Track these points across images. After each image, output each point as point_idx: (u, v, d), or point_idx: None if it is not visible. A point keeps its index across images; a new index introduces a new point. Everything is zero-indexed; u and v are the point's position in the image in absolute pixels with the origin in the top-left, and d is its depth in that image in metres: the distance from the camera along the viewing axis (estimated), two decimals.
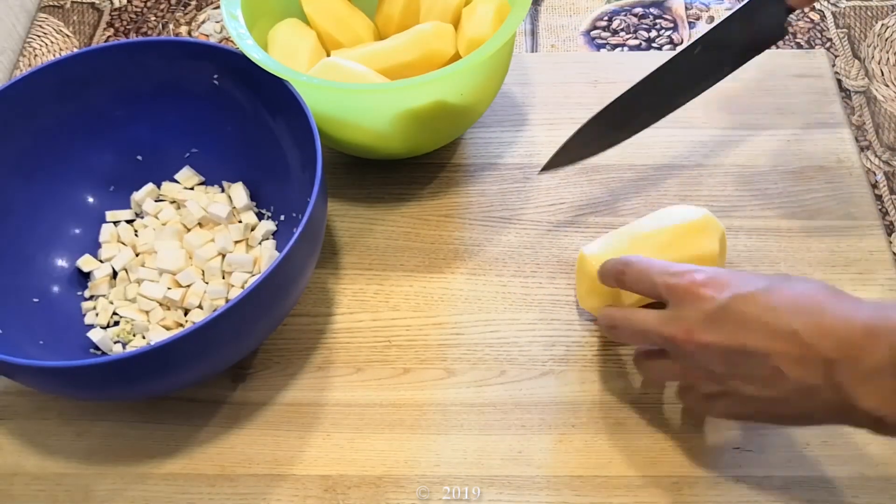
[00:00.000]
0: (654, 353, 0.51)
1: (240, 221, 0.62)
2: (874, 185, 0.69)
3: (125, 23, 0.85)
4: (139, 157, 0.65)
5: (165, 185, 0.65)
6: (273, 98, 0.59)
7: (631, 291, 0.51)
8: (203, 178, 0.65)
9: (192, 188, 0.65)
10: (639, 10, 0.83)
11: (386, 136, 0.61)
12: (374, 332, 0.60)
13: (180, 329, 0.59)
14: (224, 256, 0.60)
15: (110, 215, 0.64)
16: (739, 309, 0.44)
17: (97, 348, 0.58)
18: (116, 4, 0.86)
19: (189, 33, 0.84)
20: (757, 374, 0.44)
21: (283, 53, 0.64)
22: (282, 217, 0.62)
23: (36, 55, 0.82)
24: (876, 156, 0.71)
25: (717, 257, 0.56)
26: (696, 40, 0.55)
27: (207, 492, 0.54)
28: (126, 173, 0.64)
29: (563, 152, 0.54)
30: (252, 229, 0.62)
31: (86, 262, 0.62)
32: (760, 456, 0.54)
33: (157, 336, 0.58)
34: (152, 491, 0.54)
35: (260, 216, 0.64)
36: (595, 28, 0.82)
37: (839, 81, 0.76)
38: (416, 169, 0.69)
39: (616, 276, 0.51)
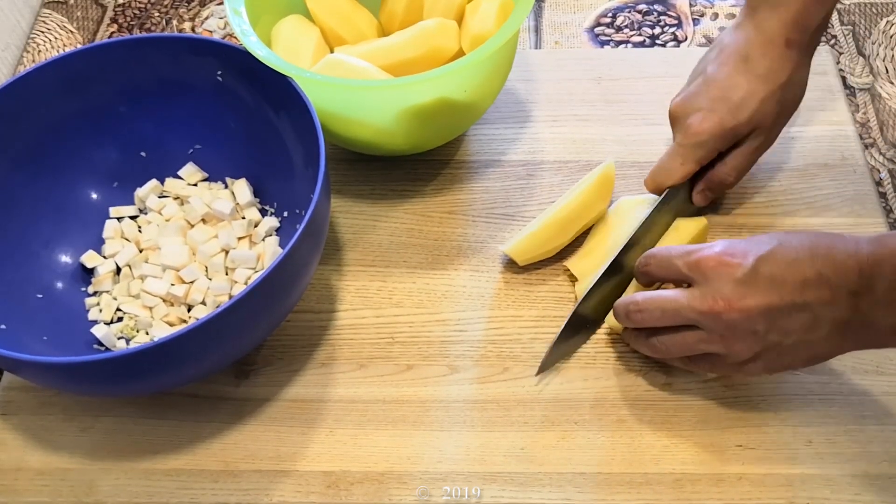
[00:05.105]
0: (668, 329, 0.52)
1: (243, 218, 0.62)
2: (878, 183, 0.69)
3: (129, 19, 0.85)
4: (143, 154, 0.65)
5: (169, 181, 0.65)
6: (276, 94, 0.59)
7: (658, 280, 0.54)
8: (206, 175, 0.65)
9: (195, 184, 0.65)
10: (643, 6, 0.83)
11: (389, 132, 0.61)
12: (378, 329, 0.60)
13: (184, 325, 0.59)
14: (227, 253, 0.61)
15: (114, 211, 0.64)
16: (766, 269, 0.47)
17: (101, 344, 0.58)
18: (120, 0, 0.86)
19: (192, 29, 0.84)
20: (796, 323, 0.47)
21: (286, 50, 0.64)
22: (285, 213, 0.62)
23: (40, 51, 0.82)
24: (880, 153, 0.71)
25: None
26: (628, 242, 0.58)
27: (211, 487, 0.54)
28: (130, 169, 0.64)
29: (550, 355, 0.57)
30: (255, 226, 0.62)
31: (89, 258, 0.62)
32: (762, 453, 0.54)
33: (161, 332, 0.58)
34: (156, 486, 0.54)
35: (263, 212, 0.64)
36: (599, 25, 0.82)
37: (843, 79, 0.76)
38: (419, 165, 0.69)
39: (642, 269, 0.54)
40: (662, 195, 0.61)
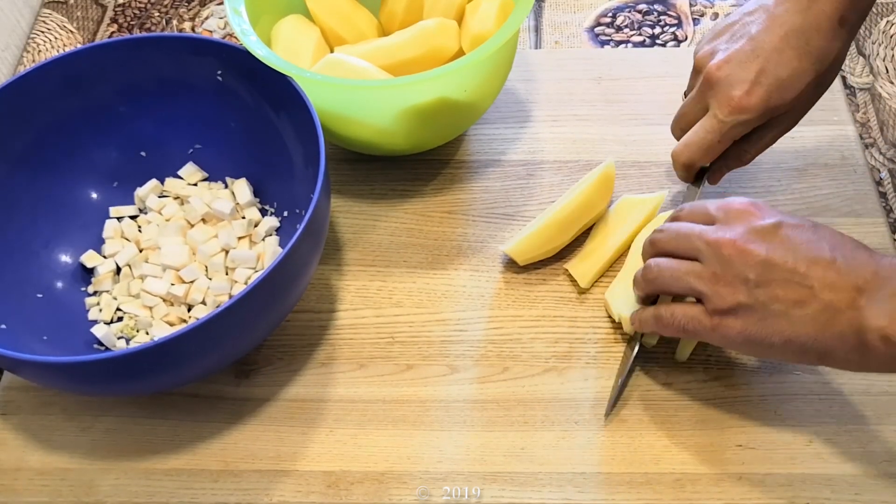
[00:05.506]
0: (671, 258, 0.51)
1: (243, 217, 0.62)
2: (878, 183, 0.69)
3: (129, 19, 0.85)
4: (143, 153, 0.65)
5: (169, 180, 0.65)
6: (276, 94, 0.59)
7: (686, 221, 0.52)
8: (206, 174, 0.65)
9: (195, 184, 0.65)
10: (643, 6, 0.83)
11: (389, 132, 0.61)
12: (378, 329, 0.60)
13: (184, 325, 0.59)
14: (227, 252, 0.61)
15: (114, 211, 0.64)
16: (787, 233, 0.47)
17: (101, 344, 0.58)
18: (120, 0, 0.86)
19: (192, 29, 0.84)
20: (789, 292, 0.46)
21: (286, 49, 0.64)
22: (285, 213, 0.62)
23: (40, 51, 0.82)
24: (880, 153, 0.71)
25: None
26: None
27: (211, 487, 0.54)
28: (130, 169, 0.64)
29: (615, 396, 0.57)
30: (255, 225, 0.62)
31: (89, 258, 0.62)
32: (763, 453, 0.54)
33: (161, 332, 0.58)
34: (156, 486, 0.54)
35: (263, 212, 0.64)
36: (599, 24, 0.82)
37: (844, 78, 0.76)
38: (419, 165, 0.69)
39: (676, 214, 0.54)
40: (697, 191, 0.59)
